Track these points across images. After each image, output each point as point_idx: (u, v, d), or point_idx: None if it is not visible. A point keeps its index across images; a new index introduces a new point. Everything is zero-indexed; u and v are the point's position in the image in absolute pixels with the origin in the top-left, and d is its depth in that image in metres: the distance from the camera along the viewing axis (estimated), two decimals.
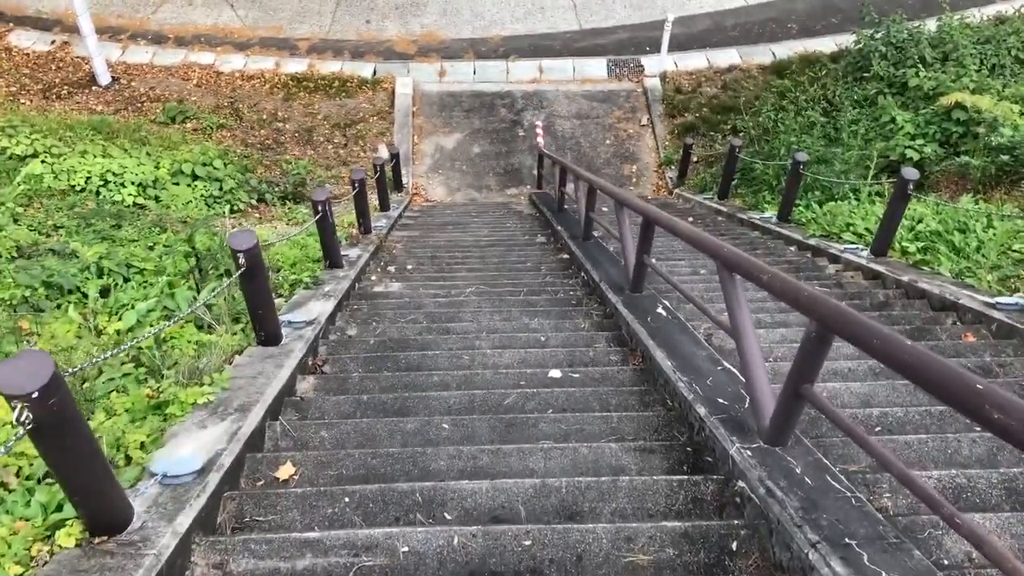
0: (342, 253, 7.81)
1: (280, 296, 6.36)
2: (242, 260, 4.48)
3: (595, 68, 16.95)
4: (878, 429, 4.00)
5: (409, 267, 8.32)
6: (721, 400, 3.98)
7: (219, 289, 4.97)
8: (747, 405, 3.88)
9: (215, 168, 11.50)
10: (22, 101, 15.40)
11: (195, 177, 11.20)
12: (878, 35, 13.11)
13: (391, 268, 8.25)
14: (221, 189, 11.31)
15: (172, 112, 15.38)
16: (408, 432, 3.97)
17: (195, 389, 4.01)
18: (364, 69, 16.96)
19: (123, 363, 4.39)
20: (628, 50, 17.26)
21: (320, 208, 6.81)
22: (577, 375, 4.80)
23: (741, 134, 14.52)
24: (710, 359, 4.62)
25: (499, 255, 8.96)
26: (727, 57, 16.79)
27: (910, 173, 6.87)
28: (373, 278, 7.80)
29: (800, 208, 9.75)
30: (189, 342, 4.78)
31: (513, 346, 5.45)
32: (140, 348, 4.53)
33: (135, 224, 9.17)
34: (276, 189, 12.38)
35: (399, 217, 11.84)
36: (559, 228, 9.77)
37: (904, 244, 7.51)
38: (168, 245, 7.30)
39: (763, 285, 3.40)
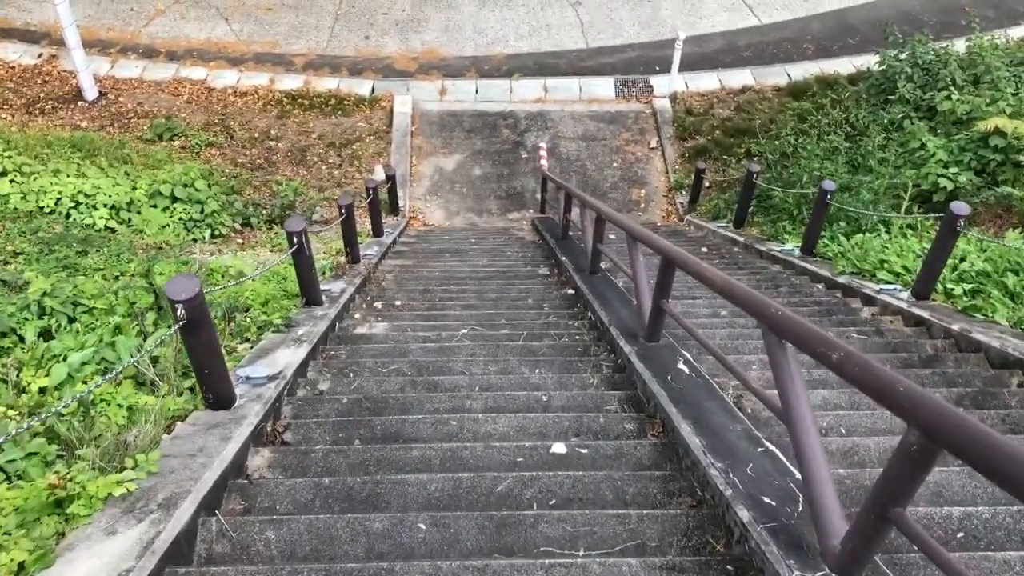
0: (324, 288, 7.05)
1: (247, 341, 5.58)
2: (181, 312, 3.71)
3: (602, 88, 16.25)
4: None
5: (398, 303, 7.54)
6: (767, 499, 3.18)
7: (166, 337, 4.20)
8: (802, 509, 3.09)
9: (197, 189, 10.76)
10: (3, 116, 14.71)
11: (175, 199, 10.46)
12: (902, 56, 12.40)
13: (377, 304, 7.47)
14: (203, 212, 10.57)
15: (159, 129, 14.68)
16: (375, 534, 3.18)
17: (111, 477, 3.22)
18: (362, 86, 16.27)
19: (35, 435, 3.60)
20: (637, 69, 16.57)
21: (296, 239, 6.05)
22: (586, 450, 4.00)
23: (757, 158, 13.79)
24: (747, 436, 3.83)
25: (498, 289, 8.18)
26: (740, 78, 16.09)
27: (960, 208, 6.09)
28: (357, 316, 7.02)
29: (825, 240, 8.98)
30: (121, 406, 4.00)
31: (509, 408, 4.66)
32: (60, 415, 3.75)
33: (102, 251, 8.43)
34: (263, 212, 11.64)
35: (393, 243, 11.09)
36: (563, 259, 9.00)
37: (948, 286, 6.73)
38: (123, 277, 6.52)
39: (833, 367, 2.61)
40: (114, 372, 3.67)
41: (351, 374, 5.32)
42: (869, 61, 15.40)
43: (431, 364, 5.48)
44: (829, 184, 8.42)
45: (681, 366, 4.94)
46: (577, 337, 6.23)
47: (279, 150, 14.84)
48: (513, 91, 16.22)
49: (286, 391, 4.74)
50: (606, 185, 14.56)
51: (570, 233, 10.43)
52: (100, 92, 15.67)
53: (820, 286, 8.13)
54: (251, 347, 5.40)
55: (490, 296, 7.85)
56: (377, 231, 11.00)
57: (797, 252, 9.16)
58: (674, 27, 17.14)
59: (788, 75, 15.99)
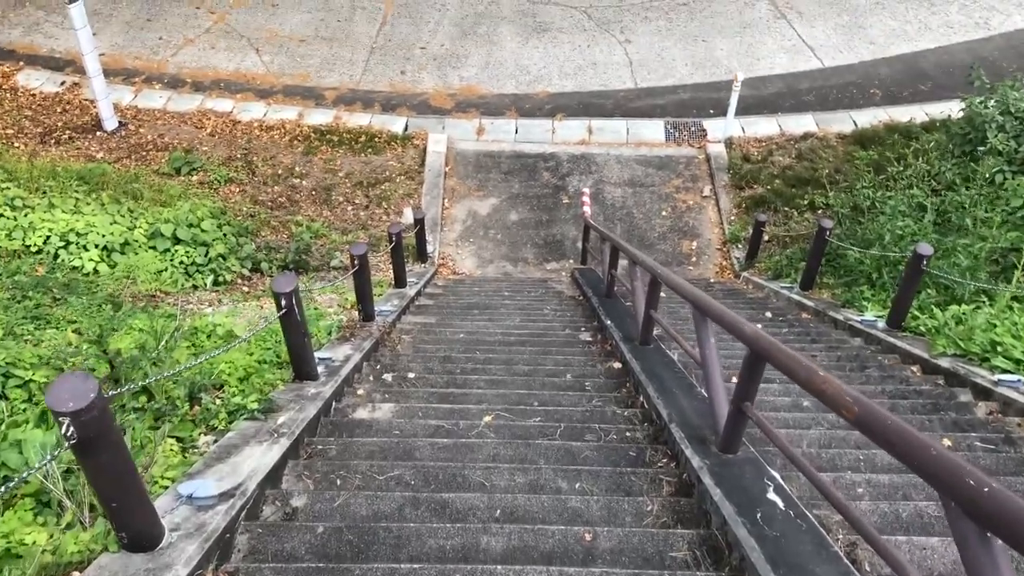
0: (324, 356, 5.90)
1: (212, 431, 4.43)
2: (70, 429, 2.55)
3: (651, 130, 15.12)
4: None
5: (411, 375, 6.35)
6: None
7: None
8: None
9: (203, 230, 9.76)
10: (16, 145, 13.95)
11: (177, 240, 9.46)
12: (991, 103, 11.09)
13: (387, 376, 6.28)
14: (207, 255, 9.54)
15: (177, 162, 13.82)
16: None
17: None
18: (395, 123, 15.32)
19: None
20: (689, 112, 15.43)
21: (284, 302, 4.91)
22: None
23: (822, 211, 12.52)
24: None
25: (531, 359, 6.96)
26: (802, 123, 14.86)
27: None
28: (360, 392, 5.83)
29: (915, 312, 7.66)
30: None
31: (539, 552, 3.43)
32: None
33: (83, 298, 7.39)
34: (276, 256, 10.60)
35: (417, 295, 9.95)
36: (608, 323, 7.77)
37: None
38: (75, 338, 5.42)
39: None
40: (3, 487, 2.54)
41: (338, 482, 4.14)
42: (946, 109, 14.16)
43: (442, 471, 4.26)
44: (926, 248, 7.12)
45: (772, 495, 3.69)
46: (628, 434, 4.98)
47: (303, 188, 13.88)
48: (555, 132, 15.16)
49: (243, 514, 3.56)
50: (654, 235, 13.35)
51: (616, 290, 9.23)
52: (120, 122, 14.90)
53: (915, 368, 6.81)
54: (214, 441, 4.24)
55: (522, 368, 6.63)
56: (400, 281, 9.89)
57: (881, 324, 7.85)
58: (729, 68, 16.02)
59: (854, 122, 14.74)
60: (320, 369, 5.62)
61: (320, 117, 15.41)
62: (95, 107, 14.66)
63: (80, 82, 15.75)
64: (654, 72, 16.26)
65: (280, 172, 14.13)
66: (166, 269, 9.07)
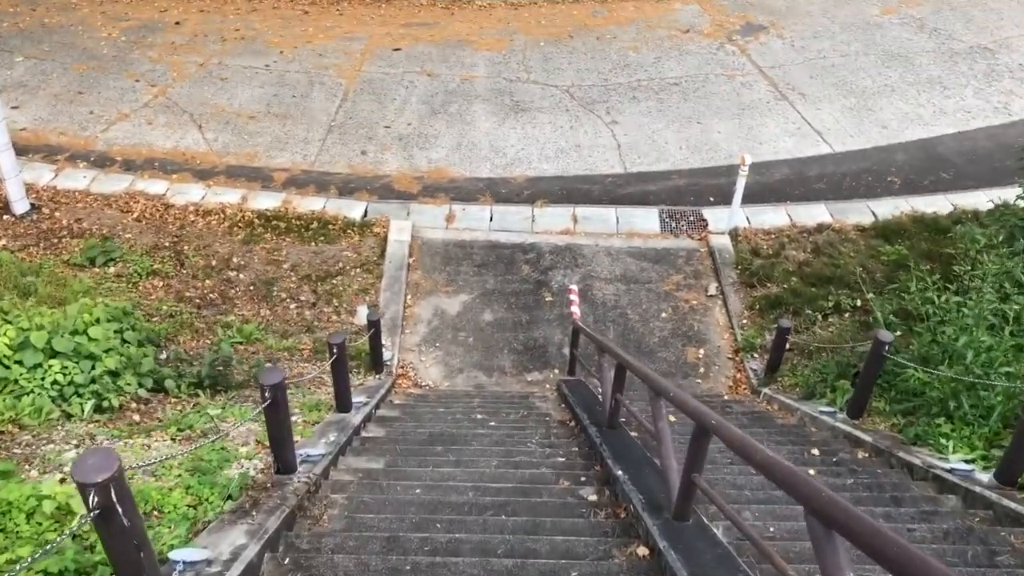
0: (192, 559, 3.70)
1: None
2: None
3: (644, 219, 13.30)
4: None
5: None
6: None
7: None
8: None
9: (90, 339, 7.57)
10: None
11: (53, 353, 7.25)
12: None
13: None
14: (93, 370, 7.33)
15: (93, 252, 11.70)
16: None
17: None
18: (353, 209, 13.38)
19: None
20: (685, 199, 13.67)
21: (95, 500, 2.76)
22: None
23: (848, 315, 10.64)
24: None
25: (516, 544, 4.74)
26: (814, 214, 13.13)
27: None
28: None
29: None
30: None
31: None
32: None
33: None
34: (191, 370, 8.40)
35: (364, 423, 7.78)
36: (619, 473, 5.65)
37: None
38: None
39: None
40: None
41: None
42: (976, 199, 12.58)
43: None
44: None
45: None
46: None
47: (240, 283, 11.77)
48: (536, 220, 13.28)
49: None
50: (653, 340, 11.33)
51: (621, 420, 7.15)
52: (33, 204, 12.81)
53: None
54: None
55: (502, 564, 4.43)
56: (343, 404, 7.72)
57: (988, 479, 5.81)
58: (729, 152, 14.40)
59: (873, 213, 13.04)
60: None
61: (267, 201, 13.44)
62: (3, 187, 12.58)
63: None
64: (645, 156, 14.56)
65: (214, 263, 12.03)
66: (30, 392, 6.84)
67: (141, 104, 15.73)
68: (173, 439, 6.45)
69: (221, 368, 8.30)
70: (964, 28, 18.21)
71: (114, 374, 7.53)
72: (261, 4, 20.34)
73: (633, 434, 7.28)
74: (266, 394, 4.99)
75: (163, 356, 8.52)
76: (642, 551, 4.61)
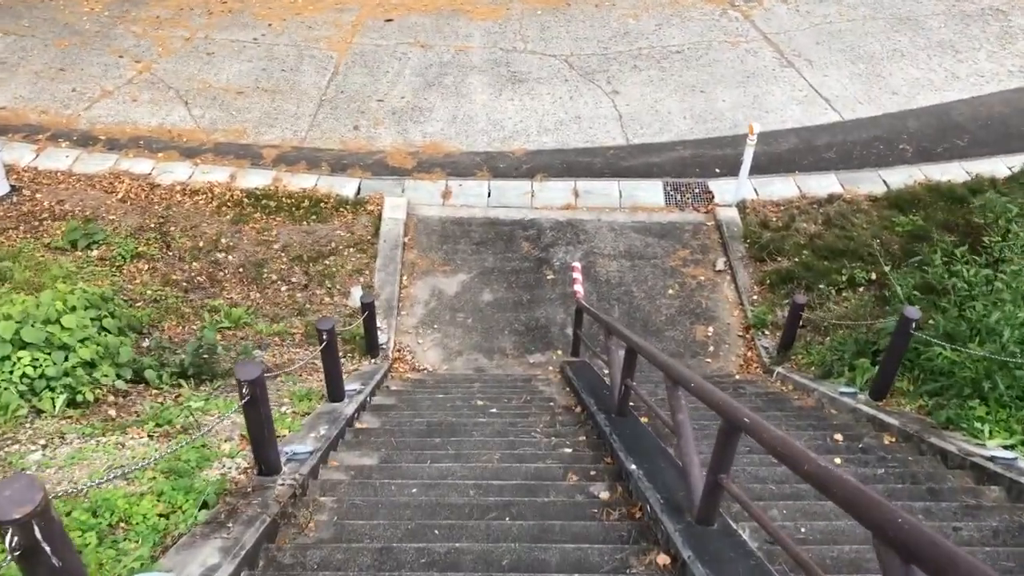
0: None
1: None
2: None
3: (648, 193, 12.80)
4: None
5: None
6: None
7: None
8: None
9: (64, 328, 7.10)
10: None
11: (23, 344, 6.78)
12: None
13: None
14: (66, 362, 6.87)
15: (74, 234, 11.22)
16: None
17: None
18: (346, 186, 12.87)
19: None
20: (691, 171, 13.16)
21: (14, 541, 2.30)
22: None
23: (863, 289, 10.19)
24: None
25: (522, 552, 4.30)
26: (824, 184, 12.63)
27: None
28: None
29: None
30: None
31: None
32: None
33: None
34: (174, 359, 7.94)
35: (357, 413, 7.33)
36: (632, 468, 5.21)
37: None
38: None
39: None
40: None
41: None
42: (993, 166, 12.09)
43: None
44: None
45: None
46: None
47: (228, 265, 11.29)
48: (535, 195, 12.78)
49: None
50: (660, 319, 10.87)
51: (631, 405, 6.70)
52: (13, 186, 12.33)
53: None
54: None
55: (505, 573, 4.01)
56: (335, 393, 7.27)
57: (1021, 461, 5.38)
58: (734, 121, 13.86)
59: (885, 182, 12.53)
60: None
61: (256, 179, 12.93)
62: None
63: None
64: (648, 127, 14.02)
65: (202, 245, 11.55)
66: None
67: (125, 81, 15.15)
68: (151, 436, 6.00)
69: (206, 357, 7.83)
70: None
71: (90, 365, 7.07)
72: None
73: (642, 419, 6.86)
74: (244, 390, 4.53)
75: (145, 344, 8.05)
76: (663, 560, 4.17)
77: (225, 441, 6.01)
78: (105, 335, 7.64)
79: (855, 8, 17.15)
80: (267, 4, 18.01)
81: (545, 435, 6.77)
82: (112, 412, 6.62)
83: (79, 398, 6.68)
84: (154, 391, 7.39)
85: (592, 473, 5.66)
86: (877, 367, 7.90)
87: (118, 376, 7.27)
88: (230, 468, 5.46)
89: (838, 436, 6.80)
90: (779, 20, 16.85)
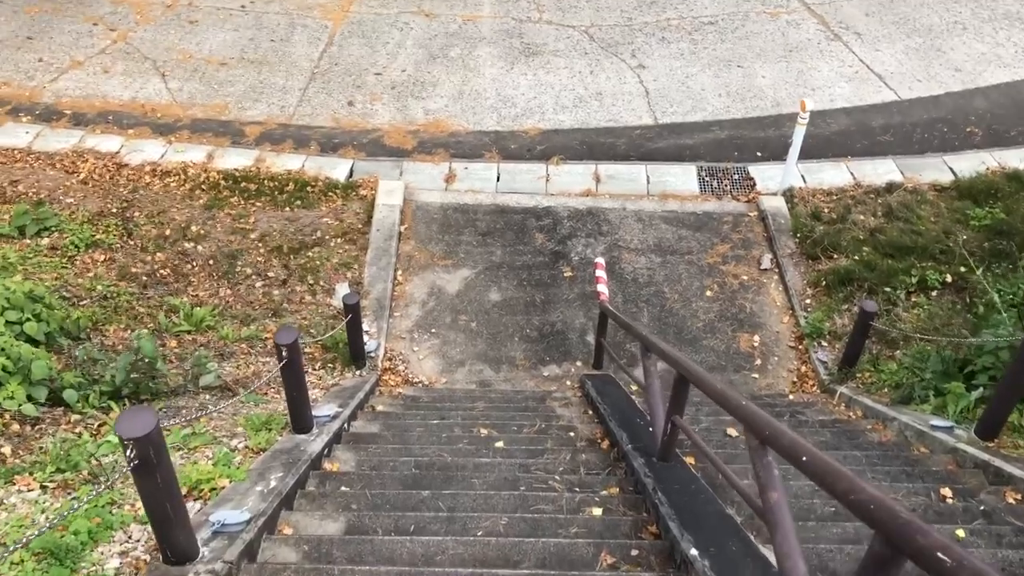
0: None
1: None
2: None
3: (680, 178, 11.23)
4: None
5: None
6: None
7: None
8: None
9: None
10: None
11: None
12: None
13: None
14: None
15: (22, 220, 9.73)
16: None
17: None
18: (337, 167, 11.36)
19: None
20: (728, 155, 11.59)
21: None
22: None
23: (937, 294, 8.65)
24: None
25: None
26: (882, 171, 11.04)
27: None
28: None
29: None
30: None
31: None
32: None
33: None
34: (104, 375, 6.43)
35: (327, 450, 5.81)
36: (693, 553, 3.70)
37: None
38: None
39: None
40: None
41: None
42: None
43: None
44: None
45: None
46: None
47: (197, 256, 9.80)
48: (551, 179, 11.23)
49: None
50: (697, 325, 9.32)
51: (677, 451, 5.18)
52: None
53: None
54: None
55: None
56: (299, 422, 5.75)
57: None
58: (776, 99, 12.29)
59: (951, 169, 10.94)
60: None
61: (236, 159, 11.43)
62: None
63: None
64: (678, 105, 12.44)
65: (168, 233, 10.06)
66: None
67: (97, 50, 13.64)
68: (44, 487, 4.51)
69: (142, 373, 6.32)
70: None
71: None
72: None
73: (688, 460, 5.35)
74: (130, 452, 3.03)
75: (75, 354, 6.55)
76: None
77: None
78: (20, 344, 6.14)
79: None
80: None
81: (567, 485, 5.22)
82: (7, 450, 5.12)
83: None
84: (74, 417, 5.89)
85: (634, 553, 4.12)
86: (974, 394, 6.38)
87: (29, 398, 5.77)
88: (137, 543, 3.97)
89: (945, 491, 5.24)
90: None
